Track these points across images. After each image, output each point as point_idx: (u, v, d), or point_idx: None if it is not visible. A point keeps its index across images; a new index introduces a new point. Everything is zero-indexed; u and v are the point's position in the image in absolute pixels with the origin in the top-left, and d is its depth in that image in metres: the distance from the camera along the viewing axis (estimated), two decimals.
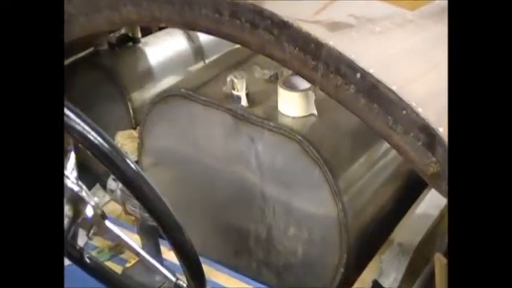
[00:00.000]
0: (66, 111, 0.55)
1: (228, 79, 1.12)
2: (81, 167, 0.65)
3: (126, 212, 0.97)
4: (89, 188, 0.76)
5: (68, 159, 0.62)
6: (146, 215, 0.89)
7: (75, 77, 1.53)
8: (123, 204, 0.94)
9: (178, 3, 1.10)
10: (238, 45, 1.13)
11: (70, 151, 0.62)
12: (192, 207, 1.18)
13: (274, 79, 1.15)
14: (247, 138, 1.07)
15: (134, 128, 1.42)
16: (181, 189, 1.19)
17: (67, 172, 0.61)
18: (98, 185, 1.21)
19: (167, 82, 1.46)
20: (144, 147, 1.23)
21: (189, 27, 1.15)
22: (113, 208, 1.12)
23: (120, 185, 0.94)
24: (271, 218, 1.08)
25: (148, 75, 1.52)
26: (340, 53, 0.84)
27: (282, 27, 0.98)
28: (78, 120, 0.56)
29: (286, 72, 1.12)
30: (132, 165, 0.56)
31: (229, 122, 1.09)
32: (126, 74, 1.48)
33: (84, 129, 0.55)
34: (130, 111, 1.44)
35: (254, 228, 1.11)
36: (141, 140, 1.23)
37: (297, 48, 0.97)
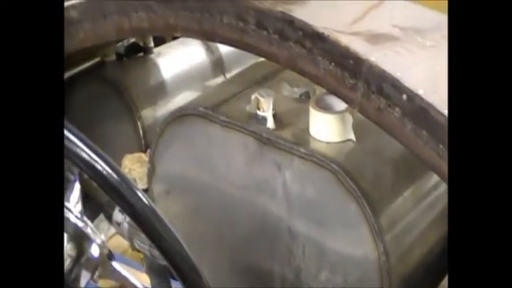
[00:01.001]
0: (69, 135, 0.56)
1: (253, 97, 1.11)
2: (82, 195, 0.65)
3: (134, 248, 0.97)
4: (92, 219, 0.76)
5: (72, 190, 0.62)
6: (157, 253, 0.89)
7: (78, 91, 1.54)
8: (130, 239, 0.94)
9: (197, 10, 1.11)
10: (263, 59, 1.13)
11: (74, 181, 0.62)
12: (208, 243, 1.17)
13: (305, 98, 1.15)
14: (273, 165, 1.06)
15: (144, 151, 1.42)
16: (196, 222, 1.18)
17: (70, 205, 0.61)
18: (101, 216, 1.21)
19: (182, 98, 1.47)
20: (155, 173, 1.23)
21: (208, 37, 1.16)
22: (118, 243, 1.12)
23: (128, 217, 0.94)
24: (300, 258, 1.06)
25: (161, 90, 1.53)
26: (383, 71, 0.83)
27: (315, 40, 0.98)
28: (82, 146, 0.56)
29: (319, 90, 1.11)
30: (144, 199, 0.55)
31: (252, 146, 1.08)
32: (136, 88, 1.49)
33: (90, 156, 0.55)
34: (140, 131, 1.45)
35: (280, 270, 1.10)
36: (152, 164, 1.23)
37: (333, 64, 0.96)
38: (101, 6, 1.24)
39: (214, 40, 1.16)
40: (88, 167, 0.54)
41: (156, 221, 0.56)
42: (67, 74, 1.63)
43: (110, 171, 0.54)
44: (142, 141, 1.43)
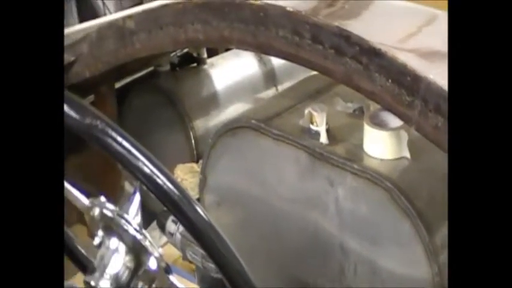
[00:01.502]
0: (130, 148, 0.56)
1: (306, 111, 1.11)
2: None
3: (185, 259, 0.97)
4: (144, 227, 0.76)
5: (131, 202, 0.63)
6: (210, 265, 0.89)
7: (132, 100, 1.56)
8: (182, 250, 0.95)
9: (252, 23, 1.11)
10: (316, 72, 1.12)
11: (134, 193, 0.63)
12: (257, 256, 1.17)
13: (359, 114, 1.14)
14: (325, 180, 1.05)
15: (196, 161, 1.43)
16: (246, 234, 1.18)
17: (129, 217, 0.62)
18: (154, 224, 1.23)
19: (234, 110, 1.47)
20: (207, 184, 1.23)
21: (263, 50, 1.16)
22: (170, 252, 1.13)
23: (181, 228, 0.95)
24: (352, 277, 1.05)
25: (214, 101, 1.53)
26: (441, 89, 0.82)
27: (372, 56, 0.97)
28: (143, 159, 0.56)
29: (374, 106, 1.10)
30: (204, 215, 0.55)
31: (305, 161, 1.08)
32: (189, 98, 1.50)
33: (151, 170, 0.56)
34: (192, 141, 1.46)
35: (330, 287, 1.09)
36: (203, 175, 1.24)
37: (389, 81, 0.95)
38: (157, 18, 1.26)
39: (268, 53, 1.16)
40: (148, 181, 0.54)
41: (216, 238, 0.56)
42: (121, 83, 1.65)
43: (170, 186, 0.54)
44: (195, 152, 1.44)
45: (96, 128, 0.56)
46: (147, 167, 0.54)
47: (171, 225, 0.96)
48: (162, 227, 0.99)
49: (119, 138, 0.55)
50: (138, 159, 0.55)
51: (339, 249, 1.05)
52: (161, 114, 1.49)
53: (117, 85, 1.61)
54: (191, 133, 1.46)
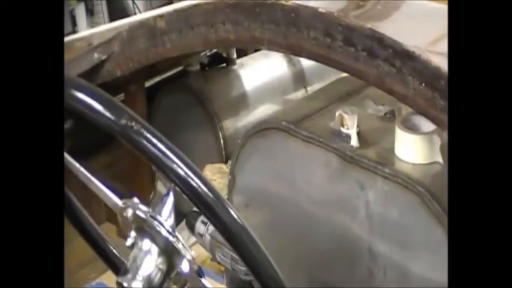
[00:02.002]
0: (165, 150, 0.56)
1: (337, 114, 1.10)
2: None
3: (214, 260, 0.97)
4: None
5: (164, 204, 0.63)
6: (240, 267, 0.89)
7: (161, 99, 1.57)
8: (211, 251, 0.94)
9: (283, 24, 1.11)
10: (346, 74, 1.11)
11: (167, 195, 0.62)
12: (285, 258, 1.16)
13: (390, 117, 1.13)
14: (355, 184, 1.04)
15: (225, 162, 1.43)
16: (274, 236, 1.18)
17: (161, 219, 0.61)
18: (182, 224, 1.23)
19: (263, 110, 1.47)
20: (236, 185, 1.23)
21: (294, 51, 1.15)
22: (198, 252, 1.12)
23: (210, 230, 0.95)
24: (381, 281, 1.04)
25: (243, 101, 1.53)
26: None
27: (405, 59, 0.96)
28: (178, 162, 0.56)
29: (406, 109, 1.09)
30: (238, 220, 0.55)
31: (335, 164, 1.07)
32: (218, 98, 1.50)
33: (186, 173, 0.55)
34: (221, 141, 1.45)
35: None
36: (232, 176, 1.23)
37: (423, 84, 0.94)
38: (188, 17, 1.26)
39: (300, 55, 1.15)
40: (183, 183, 0.54)
41: (250, 242, 0.56)
42: (151, 82, 1.66)
43: (205, 189, 0.54)
44: (223, 152, 1.44)
45: (131, 128, 0.56)
46: (182, 169, 0.54)
47: (200, 226, 0.96)
48: (192, 228, 0.99)
49: (154, 140, 0.55)
50: (172, 161, 0.54)
51: (368, 253, 1.04)
52: (190, 114, 1.49)
53: (147, 84, 1.62)
54: (220, 133, 1.46)
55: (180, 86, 1.54)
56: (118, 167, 1.51)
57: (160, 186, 0.58)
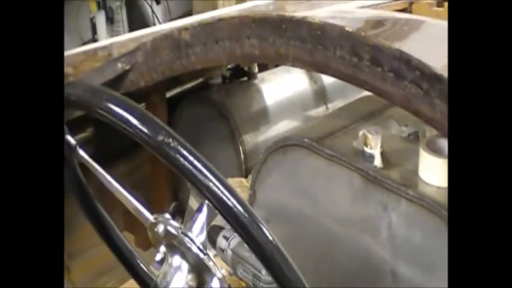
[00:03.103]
0: (201, 168, 0.55)
1: (360, 133, 1.09)
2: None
3: (235, 275, 0.96)
4: None
5: (195, 221, 0.62)
6: (261, 284, 0.88)
7: (182, 111, 1.56)
8: (233, 266, 0.94)
9: (310, 41, 1.10)
10: (368, 92, 1.11)
11: (198, 212, 0.62)
12: (305, 276, 1.15)
13: (414, 138, 1.12)
14: (378, 204, 1.03)
15: (245, 176, 1.42)
16: (295, 253, 1.16)
17: (192, 235, 0.61)
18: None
19: (284, 126, 1.46)
20: (256, 200, 1.22)
21: (319, 69, 1.14)
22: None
23: (232, 245, 0.94)
24: None
25: (264, 115, 1.52)
26: None
27: (433, 81, 0.95)
28: (213, 180, 0.55)
29: (430, 132, 1.08)
30: (273, 240, 0.54)
31: (357, 184, 1.06)
32: (240, 112, 1.49)
33: (222, 192, 0.55)
34: (242, 155, 1.45)
35: None
36: (253, 191, 1.23)
37: None
38: (213, 31, 1.26)
39: (325, 73, 1.14)
40: (218, 202, 0.54)
41: (283, 262, 0.55)
42: (172, 93, 1.66)
43: (240, 209, 0.53)
44: (243, 166, 1.43)
45: (169, 145, 0.55)
46: (217, 188, 0.54)
47: (222, 241, 0.95)
48: (213, 242, 0.98)
49: (191, 158, 0.55)
50: (208, 179, 0.54)
51: (390, 274, 1.03)
52: (211, 127, 1.49)
53: (168, 94, 1.62)
54: (240, 147, 1.45)
55: (202, 98, 1.53)
56: (137, 175, 1.51)
57: (193, 202, 0.58)
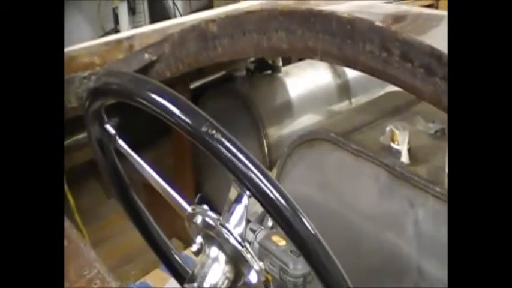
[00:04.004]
0: (240, 156, 0.55)
1: (388, 129, 1.09)
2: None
3: None
4: None
5: (232, 212, 0.62)
6: (288, 278, 0.88)
7: (206, 102, 1.56)
8: (259, 259, 0.93)
9: (339, 35, 1.09)
10: (395, 88, 1.10)
11: (236, 203, 0.61)
12: None
13: (441, 135, 1.11)
14: (405, 201, 1.02)
15: (269, 169, 1.42)
16: None
17: (230, 227, 0.61)
18: None
19: (307, 119, 1.46)
20: None
21: (347, 63, 1.13)
22: None
23: (259, 237, 0.94)
24: None
25: (287, 109, 1.52)
26: None
27: None
28: (256, 172, 0.55)
29: None
30: (315, 233, 0.54)
31: (384, 179, 1.05)
32: (264, 105, 1.49)
33: (264, 184, 0.54)
34: (265, 148, 1.44)
35: None
36: None
37: None
38: (240, 23, 1.25)
39: (354, 67, 1.13)
40: (260, 194, 0.53)
41: (325, 257, 0.55)
42: (196, 84, 1.66)
43: (283, 202, 0.53)
44: (267, 159, 1.43)
45: (212, 137, 0.55)
46: (260, 180, 0.53)
47: (248, 234, 0.95)
48: None
49: (234, 149, 0.55)
50: (251, 171, 0.53)
51: (416, 271, 1.02)
52: (235, 118, 1.48)
53: (192, 85, 1.61)
54: (264, 140, 1.45)
55: (227, 90, 1.53)
56: (160, 167, 1.51)
57: (233, 194, 0.58)
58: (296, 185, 1.20)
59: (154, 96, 0.56)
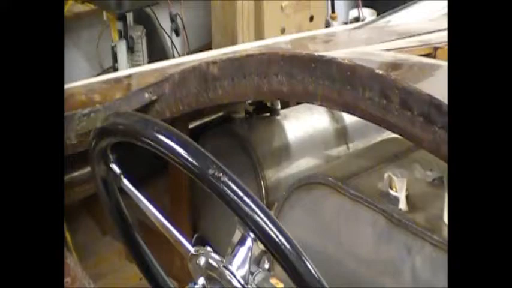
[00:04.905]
0: (246, 199, 0.56)
1: (386, 175, 1.10)
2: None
3: None
4: None
5: (235, 254, 0.63)
6: None
7: (204, 142, 1.58)
8: None
9: (339, 81, 1.11)
10: (392, 135, 1.11)
11: (239, 245, 0.62)
12: None
13: (438, 183, 1.12)
14: (402, 247, 1.03)
15: None
16: None
17: (233, 268, 0.61)
18: None
19: (305, 163, 1.47)
20: None
21: (347, 109, 1.14)
22: None
23: (257, 280, 0.94)
24: None
25: (285, 152, 1.53)
26: None
27: None
28: (264, 218, 0.56)
29: None
30: (317, 277, 0.55)
31: (381, 225, 1.06)
32: (262, 147, 1.50)
33: (271, 229, 0.55)
34: (263, 190, 1.45)
35: None
36: None
37: None
38: (241, 66, 1.27)
39: (353, 113, 1.14)
40: (267, 240, 0.54)
41: None
42: (194, 124, 1.67)
43: (288, 247, 0.54)
44: (264, 202, 1.44)
45: (219, 179, 0.56)
46: (266, 224, 0.54)
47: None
48: None
49: (240, 192, 0.56)
50: (257, 214, 0.55)
51: None
52: (233, 160, 1.49)
53: (191, 125, 1.63)
54: (262, 182, 1.46)
55: (225, 131, 1.55)
56: (158, 203, 1.51)
57: (237, 235, 0.58)
58: (293, 229, 1.20)
59: (162, 138, 0.58)
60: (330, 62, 1.13)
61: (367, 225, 1.08)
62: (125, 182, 0.71)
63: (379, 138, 1.42)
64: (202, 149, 0.59)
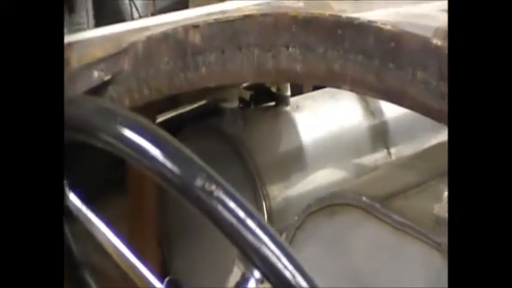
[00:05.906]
0: (251, 224, 0.57)
1: (444, 195, 1.11)
2: None
3: None
4: None
5: None
6: None
7: (187, 142, 1.58)
8: None
9: (377, 56, 1.12)
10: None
11: (243, 284, 0.63)
12: None
13: None
14: None
15: None
16: None
17: None
18: None
19: (326, 175, 1.48)
20: None
21: (390, 97, 1.14)
22: None
23: None
24: None
25: (297, 159, 1.53)
26: None
27: None
28: (267, 241, 0.57)
29: None
30: None
31: (437, 264, 1.08)
32: (263, 152, 1.50)
33: (278, 259, 0.56)
34: (265, 213, 1.46)
35: None
36: None
37: None
38: (235, 33, 1.24)
39: (399, 103, 1.14)
40: (276, 275, 0.55)
41: None
42: (165, 116, 1.67)
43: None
44: None
45: (211, 194, 0.57)
46: (278, 259, 0.55)
47: None
48: None
49: (242, 213, 0.57)
50: (265, 245, 0.56)
51: None
52: (221, 170, 1.49)
53: (159, 119, 1.62)
54: (264, 202, 1.46)
55: (209, 128, 1.54)
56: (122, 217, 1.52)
57: (236, 272, 0.59)
58: (310, 269, 1.22)
59: (128, 133, 0.58)
60: (365, 28, 1.11)
61: (415, 264, 1.10)
62: (72, 198, 0.72)
63: (433, 142, 1.44)
64: (188, 151, 0.60)
